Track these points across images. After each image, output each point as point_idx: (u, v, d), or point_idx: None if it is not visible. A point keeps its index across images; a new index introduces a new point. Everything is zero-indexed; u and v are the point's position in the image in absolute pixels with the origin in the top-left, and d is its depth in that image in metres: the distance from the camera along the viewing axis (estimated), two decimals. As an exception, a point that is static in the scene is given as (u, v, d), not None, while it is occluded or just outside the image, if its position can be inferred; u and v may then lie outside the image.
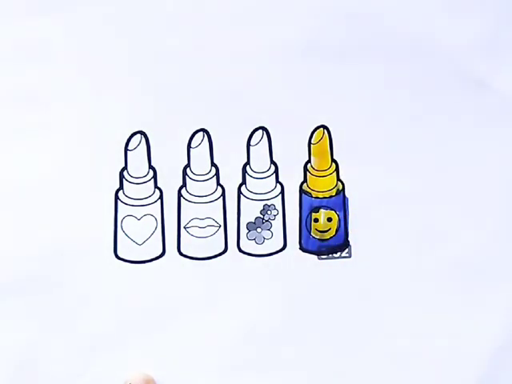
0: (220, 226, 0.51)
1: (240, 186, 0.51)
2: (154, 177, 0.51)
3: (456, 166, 0.51)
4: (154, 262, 0.50)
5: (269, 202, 0.51)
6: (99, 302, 0.50)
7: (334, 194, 0.51)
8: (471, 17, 0.52)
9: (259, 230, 0.51)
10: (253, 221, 0.51)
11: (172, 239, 0.50)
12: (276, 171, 0.51)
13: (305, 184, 0.51)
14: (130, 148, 0.51)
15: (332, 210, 0.51)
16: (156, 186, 0.51)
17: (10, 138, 0.50)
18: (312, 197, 0.51)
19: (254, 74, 0.51)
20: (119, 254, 0.50)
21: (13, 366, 0.50)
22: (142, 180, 0.50)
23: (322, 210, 0.51)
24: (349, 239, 0.51)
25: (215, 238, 0.51)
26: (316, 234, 0.51)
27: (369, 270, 0.50)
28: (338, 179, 0.51)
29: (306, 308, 0.50)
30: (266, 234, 0.51)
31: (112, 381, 0.50)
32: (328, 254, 0.50)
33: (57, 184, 0.50)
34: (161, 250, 0.50)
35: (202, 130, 0.51)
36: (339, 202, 0.51)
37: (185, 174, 0.51)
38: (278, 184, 0.51)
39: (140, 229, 0.50)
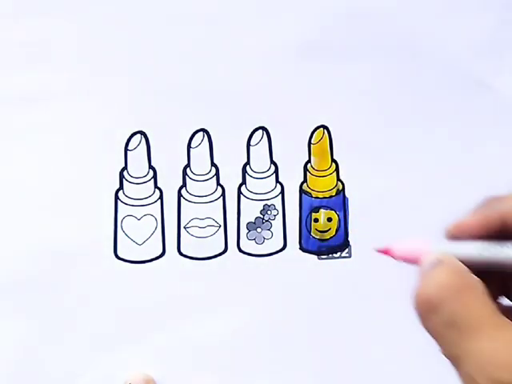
0: (220, 226, 0.51)
1: (240, 185, 0.51)
2: (154, 177, 0.51)
3: (456, 166, 0.51)
4: (153, 261, 0.50)
5: (269, 202, 0.51)
6: (99, 301, 0.50)
7: (333, 194, 0.51)
8: (471, 17, 0.52)
9: (259, 229, 0.51)
10: (253, 221, 0.51)
11: (172, 239, 0.50)
12: (276, 171, 0.51)
13: (305, 184, 0.51)
14: (129, 148, 0.51)
15: (332, 210, 0.51)
16: (156, 186, 0.51)
17: (9, 137, 0.50)
18: (312, 197, 0.51)
19: (254, 74, 0.51)
20: (119, 254, 0.50)
21: (13, 366, 0.50)
22: (141, 180, 0.50)
23: (322, 210, 0.51)
24: (349, 239, 0.51)
25: (215, 238, 0.51)
26: (316, 234, 0.51)
27: (369, 270, 0.50)
28: (338, 179, 0.51)
29: (305, 308, 0.50)
30: (266, 234, 0.51)
31: (112, 381, 0.50)
32: (328, 254, 0.50)
33: (57, 184, 0.50)
34: (161, 250, 0.50)
35: (202, 130, 0.51)
36: (339, 202, 0.51)
37: (185, 174, 0.51)
38: (277, 184, 0.51)
39: (140, 229, 0.50)
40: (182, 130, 0.51)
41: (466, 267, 0.36)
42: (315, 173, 0.51)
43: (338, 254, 0.51)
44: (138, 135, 0.51)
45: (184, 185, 0.51)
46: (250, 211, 0.51)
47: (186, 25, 0.51)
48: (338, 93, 0.51)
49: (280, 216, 0.51)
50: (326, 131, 0.51)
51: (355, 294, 0.50)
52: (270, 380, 0.50)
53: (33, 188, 0.50)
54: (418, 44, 0.52)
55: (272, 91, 0.51)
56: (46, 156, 0.50)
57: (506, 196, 0.39)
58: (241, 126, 0.51)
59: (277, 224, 0.51)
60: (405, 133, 0.51)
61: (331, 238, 0.50)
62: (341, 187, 0.51)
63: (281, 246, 0.51)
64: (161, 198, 0.51)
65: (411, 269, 0.50)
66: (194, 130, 0.51)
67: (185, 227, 0.51)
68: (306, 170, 0.51)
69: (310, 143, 0.51)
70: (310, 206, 0.51)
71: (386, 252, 0.40)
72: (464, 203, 0.49)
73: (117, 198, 0.50)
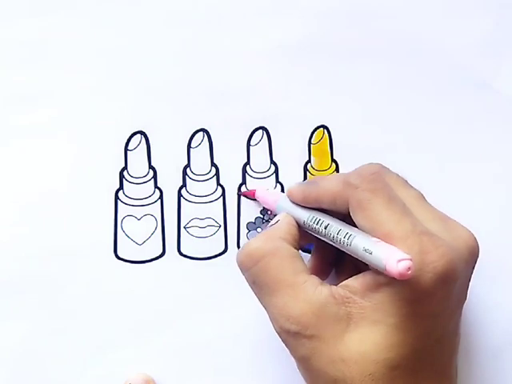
0: (220, 226, 0.51)
1: (240, 185, 0.51)
2: (154, 177, 0.51)
3: (456, 166, 0.51)
4: (153, 261, 0.50)
5: (269, 202, 0.51)
6: (99, 301, 0.50)
7: (334, 193, 0.51)
8: (471, 17, 0.52)
9: (259, 229, 0.51)
10: (253, 221, 0.51)
11: (172, 239, 0.50)
12: (276, 171, 0.51)
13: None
14: (129, 148, 0.51)
15: (332, 209, 0.51)
16: (156, 186, 0.51)
17: (9, 137, 0.50)
18: (312, 197, 0.51)
19: (254, 73, 0.51)
20: (119, 254, 0.50)
21: (12, 366, 0.50)
22: (141, 180, 0.50)
23: (322, 210, 0.51)
24: (349, 239, 0.51)
25: (215, 238, 0.51)
26: (316, 234, 0.51)
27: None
28: (338, 179, 0.51)
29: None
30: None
31: (112, 381, 0.50)
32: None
33: (57, 184, 0.50)
34: (161, 250, 0.50)
35: (202, 130, 0.51)
36: (339, 201, 0.51)
37: (185, 174, 0.51)
38: (277, 184, 0.51)
39: (140, 229, 0.50)
40: (182, 130, 0.51)
41: (289, 231, 0.45)
42: (315, 173, 0.51)
43: (338, 253, 0.51)
44: (138, 135, 0.51)
45: (184, 185, 0.51)
46: (250, 211, 0.51)
47: (186, 25, 0.51)
48: (338, 93, 0.51)
49: (280, 216, 0.51)
50: (325, 131, 0.51)
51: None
52: (271, 380, 0.50)
53: (32, 188, 0.50)
54: (418, 44, 0.52)
55: (272, 91, 0.51)
56: (46, 156, 0.50)
57: (322, 180, 0.46)
58: (241, 126, 0.51)
59: (276, 224, 0.51)
60: (405, 133, 0.51)
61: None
62: (341, 187, 0.51)
63: (281, 245, 0.51)
64: (161, 197, 0.51)
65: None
66: (194, 130, 0.51)
67: (185, 227, 0.51)
68: (305, 170, 0.51)
69: (309, 143, 0.51)
70: (310, 205, 0.51)
71: (250, 193, 0.50)
72: (464, 203, 0.49)
73: (117, 197, 0.50)
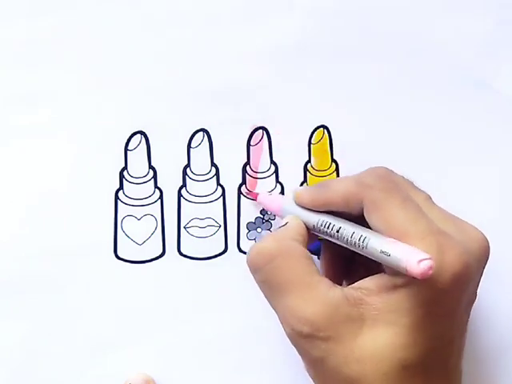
0: (220, 226, 0.51)
1: (240, 185, 0.51)
2: (154, 177, 0.51)
3: (456, 166, 0.51)
4: (153, 261, 0.50)
5: (269, 202, 0.51)
6: (99, 301, 0.50)
7: (334, 193, 0.51)
8: (471, 17, 0.52)
9: (259, 229, 0.51)
10: (253, 221, 0.51)
11: (172, 239, 0.50)
12: (276, 171, 0.51)
13: (305, 184, 0.51)
14: (129, 148, 0.51)
15: (332, 209, 0.51)
16: (156, 186, 0.51)
17: (9, 137, 0.50)
18: (312, 197, 0.51)
19: (254, 73, 0.51)
20: (119, 254, 0.50)
21: (12, 366, 0.50)
22: (141, 180, 0.50)
23: (322, 210, 0.51)
24: (349, 239, 0.51)
25: (215, 238, 0.51)
26: (316, 234, 0.51)
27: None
28: (338, 179, 0.51)
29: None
30: (266, 234, 0.51)
31: (112, 381, 0.50)
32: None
33: (57, 184, 0.50)
34: (161, 250, 0.50)
35: (202, 130, 0.51)
36: (339, 201, 0.51)
37: (185, 174, 0.51)
38: (277, 184, 0.51)
39: (140, 229, 0.50)
40: (182, 130, 0.51)
41: (299, 233, 0.44)
42: (315, 173, 0.51)
43: (338, 253, 0.51)
44: (138, 135, 0.51)
45: (184, 185, 0.51)
46: (250, 211, 0.51)
47: (186, 25, 0.51)
48: (338, 93, 0.51)
49: (280, 216, 0.51)
50: (326, 131, 0.51)
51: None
52: (271, 380, 0.50)
53: (32, 188, 0.50)
54: (417, 44, 0.52)
55: (272, 91, 0.51)
56: (46, 156, 0.50)
57: (332, 182, 0.45)
58: (241, 125, 0.51)
59: (277, 224, 0.51)
60: (405, 133, 0.51)
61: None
62: (341, 187, 0.51)
63: (281, 245, 0.51)
64: (161, 197, 0.51)
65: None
66: (194, 130, 0.51)
67: (185, 227, 0.51)
68: (305, 170, 0.51)
69: (310, 143, 0.51)
70: (310, 205, 0.51)
71: (253, 195, 0.50)
72: (464, 203, 0.49)
73: (117, 197, 0.50)
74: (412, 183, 0.45)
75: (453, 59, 0.52)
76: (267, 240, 0.44)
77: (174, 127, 0.51)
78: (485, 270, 0.44)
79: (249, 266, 0.44)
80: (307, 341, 0.41)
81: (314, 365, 0.42)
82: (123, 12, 0.51)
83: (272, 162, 0.51)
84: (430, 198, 0.45)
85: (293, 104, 0.51)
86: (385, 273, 0.41)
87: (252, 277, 0.49)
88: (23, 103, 0.50)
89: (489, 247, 0.43)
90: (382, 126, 0.51)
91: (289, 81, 0.51)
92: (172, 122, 0.51)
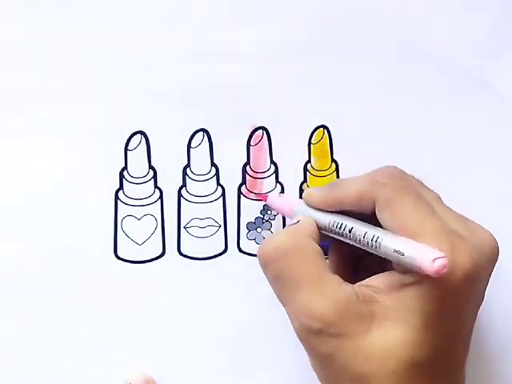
0: (220, 226, 0.51)
1: (240, 185, 0.51)
2: (154, 177, 0.51)
3: (457, 167, 0.51)
4: (153, 261, 0.50)
5: (269, 202, 0.51)
6: (99, 301, 0.50)
7: (334, 193, 0.51)
8: (471, 17, 0.52)
9: (259, 229, 0.51)
10: (253, 221, 0.51)
11: (172, 239, 0.50)
12: (276, 171, 0.51)
13: (305, 184, 0.51)
14: (129, 148, 0.51)
15: (332, 209, 0.51)
16: (156, 186, 0.51)
17: (10, 137, 0.50)
18: (312, 197, 0.51)
19: (253, 73, 0.51)
20: (119, 254, 0.50)
21: (12, 366, 0.50)
22: (142, 180, 0.50)
23: (322, 210, 0.51)
24: (349, 239, 0.51)
25: (215, 238, 0.51)
26: (316, 234, 0.51)
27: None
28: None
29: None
30: (266, 234, 0.51)
31: (112, 381, 0.50)
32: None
33: (57, 184, 0.50)
34: (161, 250, 0.50)
35: (202, 130, 0.51)
36: (339, 201, 0.51)
37: (185, 174, 0.51)
38: (277, 184, 0.51)
39: (140, 229, 0.50)
40: (182, 130, 0.51)
41: (312, 231, 0.44)
42: (315, 173, 0.51)
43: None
44: (138, 135, 0.51)
45: (184, 185, 0.51)
46: (250, 211, 0.51)
47: (185, 25, 0.51)
48: (338, 93, 0.51)
49: (280, 216, 0.51)
50: (326, 131, 0.51)
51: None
52: (271, 380, 0.50)
53: (32, 188, 0.50)
54: (417, 44, 0.52)
55: (272, 91, 0.51)
56: (46, 156, 0.50)
57: (344, 181, 0.45)
58: (241, 126, 0.51)
59: (277, 224, 0.51)
60: (405, 133, 0.51)
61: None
62: (341, 187, 0.51)
63: (281, 245, 0.51)
64: (161, 197, 0.51)
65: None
66: (194, 130, 0.51)
67: (185, 227, 0.51)
68: (305, 170, 0.51)
69: (310, 143, 0.51)
70: (310, 205, 0.51)
71: (262, 197, 0.50)
72: (464, 203, 0.49)
73: (117, 197, 0.50)
74: (422, 183, 0.46)
75: (453, 59, 0.52)
76: (281, 235, 0.44)
77: (174, 127, 0.51)
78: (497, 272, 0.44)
79: (260, 260, 0.44)
80: (317, 337, 0.42)
81: (322, 361, 0.42)
82: (123, 12, 0.51)
83: (272, 162, 0.51)
84: (440, 197, 0.45)
85: (293, 104, 0.51)
86: (394, 271, 0.42)
87: (252, 277, 0.50)
88: (23, 103, 0.50)
89: (498, 249, 0.44)
90: (382, 126, 0.51)
91: (289, 81, 0.51)
92: (172, 122, 0.51)
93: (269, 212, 0.51)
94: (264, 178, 0.51)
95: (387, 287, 0.41)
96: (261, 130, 0.51)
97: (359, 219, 0.44)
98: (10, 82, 0.50)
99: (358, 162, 0.51)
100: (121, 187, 0.50)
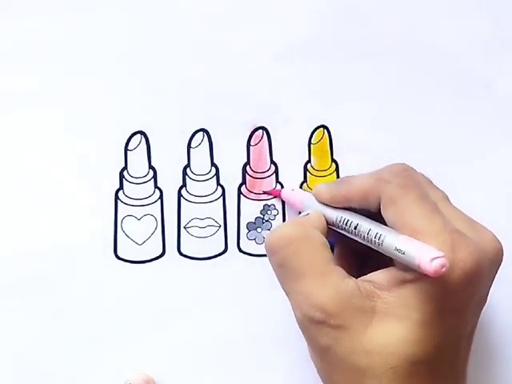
0: (220, 226, 0.51)
1: (240, 185, 0.51)
2: (154, 177, 0.51)
3: (457, 167, 0.51)
4: (153, 261, 0.50)
5: (269, 202, 0.51)
6: (99, 301, 0.50)
7: (334, 193, 0.51)
8: (472, 17, 0.52)
9: (259, 229, 0.51)
10: (253, 221, 0.51)
11: (172, 239, 0.50)
12: (276, 171, 0.51)
13: (305, 184, 0.51)
14: (129, 148, 0.51)
15: (332, 209, 0.51)
16: (156, 186, 0.51)
17: (10, 137, 0.50)
18: (312, 197, 0.51)
19: (253, 73, 0.51)
20: (119, 254, 0.50)
21: (12, 366, 0.50)
22: (141, 180, 0.50)
23: (322, 210, 0.51)
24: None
25: (215, 238, 0.51)
26: (316, 234, 0.51)
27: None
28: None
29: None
30: (266, 234, 0.51)
31: (112, 381, 0.50)
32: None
33: (57, 184, 0.50)
34: (161, 250, 0.50)
35: (202, 129, 0.51)
36: (339, 201, 0.51)
37: (185, 174, 0.51)
38: (277, 184, 0.51)
39: (140, 229, 0.50)
40: (182, 130, 0.51)
41: (320, 224, 0.45)
42: (315, 173, 0.51)
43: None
44: (138, 135, 0.51)
45: (184, 185, 0.51)
46: (250, 211, 0.51)
47: (185, 25, 0.51)
48: (338, 93, 0.51)
49: (280, 216, 0.51)
50: (326, 131, 0.51)
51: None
52: (271, 380, 0.50)
53: (33, 188, 0.50)
54: (418, 44, 0.52)
55: (272, 91, 0.51)
56: (46, 156, 0.50)
57: (351, 178, 0.46)
58: (241, 125, 0.51)
59: (277, 224, 0.51)
60: (405, 133, 0.51)
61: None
62: (341, 187, 0.51)
63: (281, 245, 0.51)
64: (161, 197, 0.51)
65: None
66: (194, 130, 0.51)
67: (185, 227, 0.51)
68: (305, 169, 0.51)
69: (310, 143, 0.51)
70: (310, 205, 0.51)
71: (275, 193, 0.50)
72: (464, 203, 0.49)
73: (117, 197, 0.50)
74: (431, 181, 0.46)
75: (453, 59, 0.52)
76: (289, 225, 0.45)
77: (174, 127, 0.51)
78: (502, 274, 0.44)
79: (266, 248, 0.44)
80: (317, 327, 0.42)
81: (321, 352, 0.42)
82: (124, 12, 0.51)
83: (272, 161, 0.51)
84: (447, 197, 0.45)
85: (293, 104, 0.51)
86: (396, 267, 0.42)
87: (251, 276, 0.50)
88: (23, 103, 0.50)
89: (502, 251, 0.44)
90: (382, 126, 0.51)
91: (289, 81, 0.51)
92: (172, 122, 0.51)
93: (269, 212, 0.51)
94: (264, 178, 0.51)
95: (389, 283, 0.41)
96: (261, 130, 0.51)
97: (367, 216, 0.44)
98: (10, 82, 0.50)
99: (358, 162, 0.51)
100: (121, 187, 0.50)
